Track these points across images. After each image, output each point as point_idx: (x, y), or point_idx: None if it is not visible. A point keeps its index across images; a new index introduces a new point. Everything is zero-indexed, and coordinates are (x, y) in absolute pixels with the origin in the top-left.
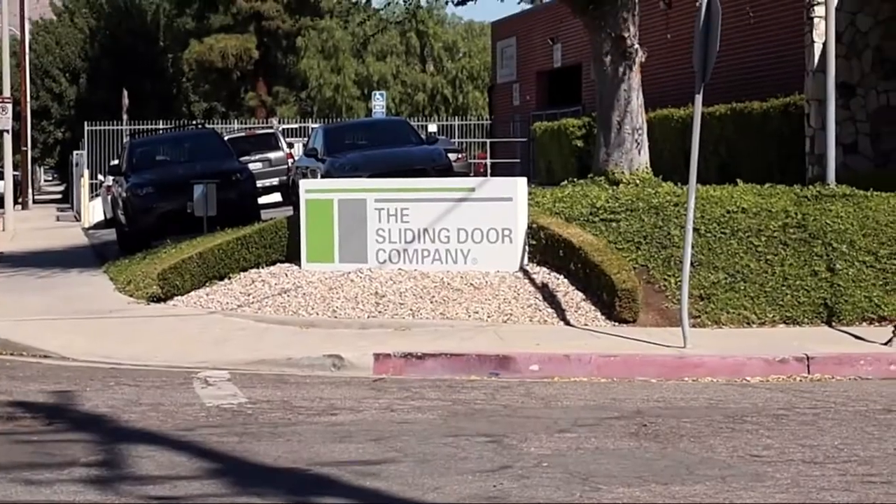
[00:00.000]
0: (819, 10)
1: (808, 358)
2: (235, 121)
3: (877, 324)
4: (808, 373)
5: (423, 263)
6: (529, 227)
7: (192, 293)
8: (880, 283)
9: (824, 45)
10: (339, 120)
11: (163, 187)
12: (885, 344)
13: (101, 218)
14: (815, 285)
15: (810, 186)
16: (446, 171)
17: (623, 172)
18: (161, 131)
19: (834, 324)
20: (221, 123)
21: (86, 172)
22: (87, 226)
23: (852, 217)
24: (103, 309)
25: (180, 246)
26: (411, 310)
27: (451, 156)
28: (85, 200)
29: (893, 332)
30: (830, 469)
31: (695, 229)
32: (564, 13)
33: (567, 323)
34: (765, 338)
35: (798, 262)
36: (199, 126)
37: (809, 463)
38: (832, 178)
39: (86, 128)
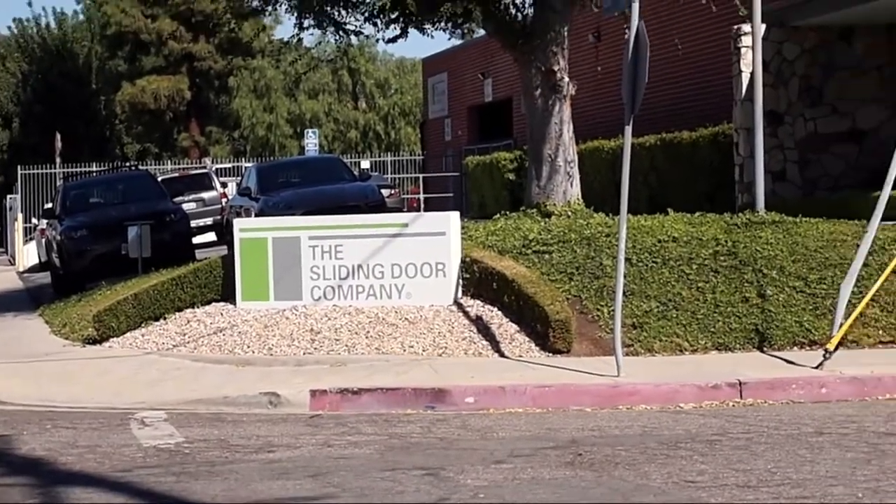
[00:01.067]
0: (746, 40)
1: (740, 383)
2: (169, 161)
3: (808, 348)
4: (741, 398)
5: (358, 299)
6: (463, 261)
7: (128, 334)
8: (810, 307)
9: (752, 74)
10: (272, 158)
11: (97, 229)
12: (817, 368)
13: (36, 261)
14: (746, 311)
15: (740, 214)
16: (379, 207)
17: (555, 205)
18: (94, 174)
19: (766, 349)
20: (155, 164)
21: (20, 216)
22: (21, 269)
23: (782, 243)
24: (39, 352)
25: (115, 287)
26: (347, 345)
27: (384, 192)
28: (19, 244)
29: (824, 356)
30: (764, 493)
31: (626, 259)
32: (495, 48)
33: (501, 355)
34: (697, 364)
35: (729, 288)
36: (133, 168)
37: (743, 487)
38: (761, 206)
39: (19, 171)
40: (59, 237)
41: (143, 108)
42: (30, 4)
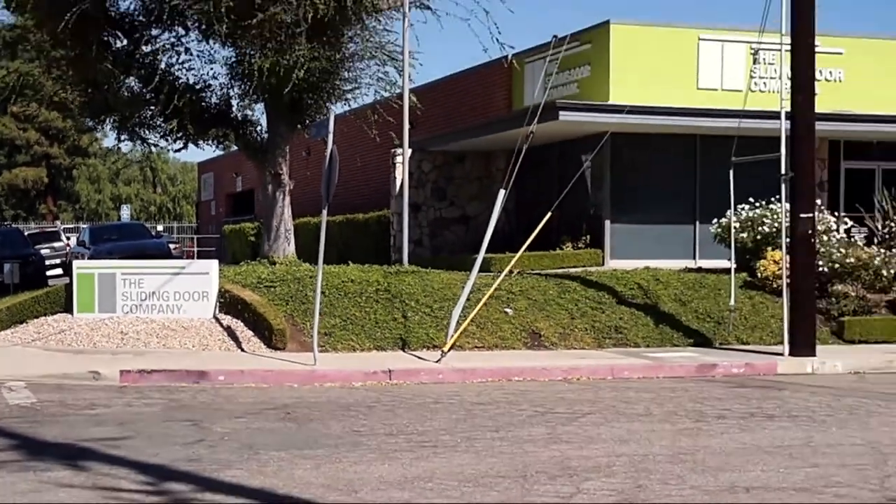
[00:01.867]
0: (399, 158)
1: (390, 371)
2: (32, 222)
3: (432, 350)
4: (391, 380)
5: (153, 313)
6: (220, 291)
7: (3, 332)
8: (434, 325)
9: (402, 180)
10: (99, 222)
11: None
12: (437, 362)
13: None
14: (395, 326)
15: (393, 266)
16: (167, 255)
17: (279, 257)
18: None
19: (407, 350)
20: (23, 224)
21: None
22: None
23: (418, 285)
24: None
25: None
26: (144, 342)
27: (171, 246)
28: None
29: (441, 355)
30: (401, 438)
31: (322, 292)
32: (243, 158)
33: (242, 350)
34: (364, 359)
35: (385, 312)
36: (9, 226)
37: (388, 435)
38: (406, 261)
39: None
40: None
41: (16, 188)
42: None
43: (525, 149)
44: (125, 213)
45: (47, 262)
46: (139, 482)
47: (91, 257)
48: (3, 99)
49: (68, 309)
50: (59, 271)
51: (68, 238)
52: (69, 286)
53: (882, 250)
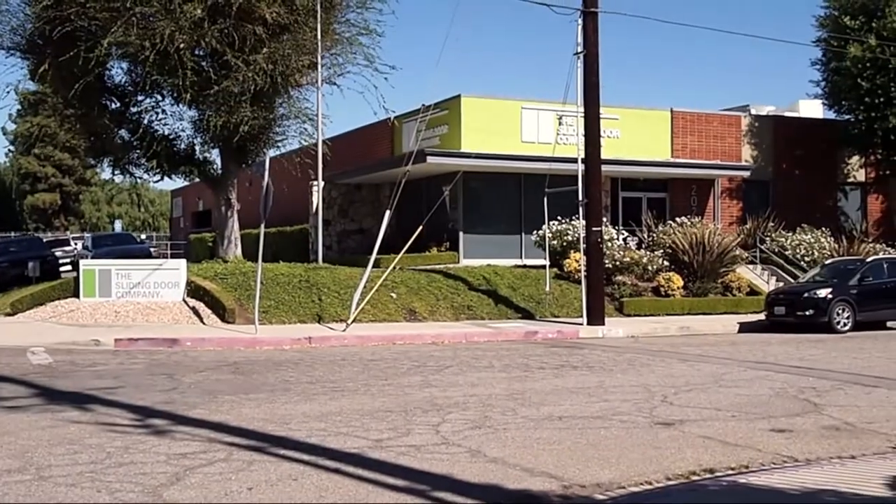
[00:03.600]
0: (315, 188)
1: (310, 338)
2: (49, 233)
3: (340, 322)
4: (310, 344)
5: (138, 297)
6: (187, 281)
7: (28, 311)
8: (341, 305)
9: (317, 203)
10: (98, 232)
11: (14, 262)
12: (343, 331)
13: None
14: (313, 306)
15: (311, 263)
16: (149, 256)
17: (230, 257)
18: (13, 237)
19: (322, 322)
20: (43, 233)
21: None
22: None
23: (329, 277)
24: None
25: (21, 290)
26: (132, 318)
27: (153, 250)
28: None
29: (346, 326)
30: (318, 385)
31: (261, 282)
32: (204, 186)
33: (204, 323)
34: (291, 329)
35: (306, 296)
36: (35, 236)
37: (309, 383)
38: (320, 260)
39: None
40: None
41: (37, 207)
42: None
43: (403, 182)
44: (118, 226)
45: (60, 261)
46: (129, 419)
47: (93, 258)
48: (29, 145)
49: (76, 295)
50: (69, 268)
51: (76, 244)
52: (77, 278)
53: (647, 252)
